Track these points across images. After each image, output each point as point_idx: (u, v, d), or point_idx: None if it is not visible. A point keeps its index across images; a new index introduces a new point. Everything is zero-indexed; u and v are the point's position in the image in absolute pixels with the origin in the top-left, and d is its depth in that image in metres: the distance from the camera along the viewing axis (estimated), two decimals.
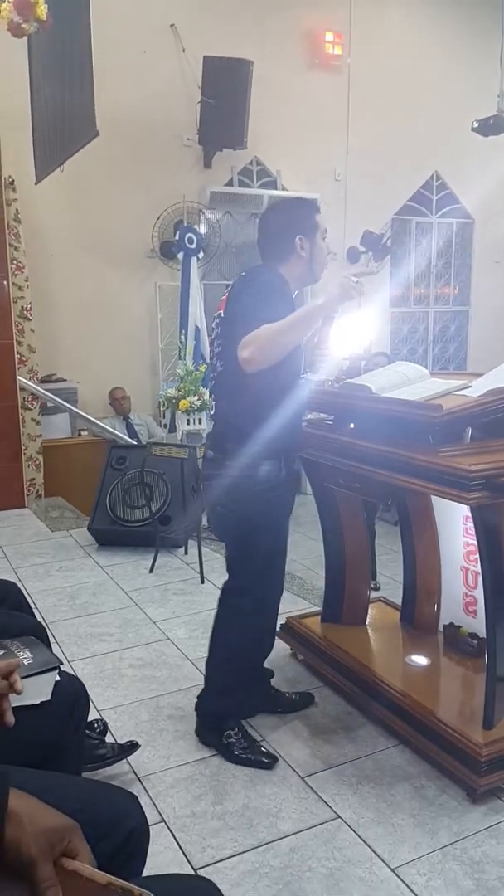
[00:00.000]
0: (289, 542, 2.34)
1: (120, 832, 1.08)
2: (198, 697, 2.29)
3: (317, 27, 6.72)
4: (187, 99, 6.11)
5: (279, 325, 1.90)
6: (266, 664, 2.43)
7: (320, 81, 6.77)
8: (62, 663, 1.58)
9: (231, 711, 2.21)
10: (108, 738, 2.17)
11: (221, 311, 2.10)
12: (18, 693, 1.33)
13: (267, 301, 1.96)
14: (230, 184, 6.60)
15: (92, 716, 2.08)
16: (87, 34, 3.75)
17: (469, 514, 2.08)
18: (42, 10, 3.20)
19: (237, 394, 2.05)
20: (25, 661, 1.49)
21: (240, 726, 2.19)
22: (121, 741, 2.16)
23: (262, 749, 2.16)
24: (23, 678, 1.42)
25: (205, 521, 4.47)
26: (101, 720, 2.15)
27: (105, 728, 2.12)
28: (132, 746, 2.06)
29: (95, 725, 2.09)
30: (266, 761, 2.12)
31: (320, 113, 6.76)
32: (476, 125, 5.68)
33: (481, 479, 1.75)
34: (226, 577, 2.25)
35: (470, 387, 2.04)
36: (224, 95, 5.88)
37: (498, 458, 1.83)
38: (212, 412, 2.19)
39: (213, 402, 2.17)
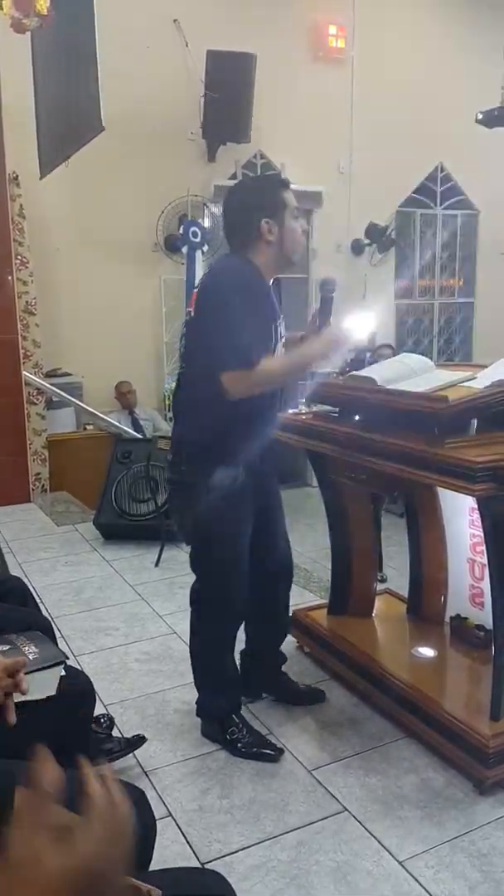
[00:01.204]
0: (291, 536, 2.33)
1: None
2: (196, 703, 2.28)
3: (320, 20, 6.68)
4: (191, 93, 6.08)
5: (278, 373, 1.92)
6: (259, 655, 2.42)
7: (324, 74, 6.73)
8: (68, 658, 1.58)
9: (228, 709, 2.20)
10: (115, 733, 2.18)
11: (192, 311, 1.99)
12: (24, 693, 1.33)
13: (238, 312, 1.86)
14: (234, 177, 6.57)
15: (98, 710, 2.09)
16: (92, 29, 3.74)
17: (475, 506, 2.07)
18: (42, 5, 3.18)
19: (199, 401, 1.98)
20: (31, 657, 1.49)
21: (242, 721, 2.19)
22: (127, 735, 2.16)
23: (268, 741, 2.16)
24: (28, 673, 1.42)
25: None
26: (108, 715, 2.15)
27: (111, 723, 2.12)
28: (139, 740, 2.06)
29: (102, 720, 2.09)
30: (272, 753, 2.12)
31: (324, 106, 6.73)
32: (480, 117, 5.61)
33: (487, 471, 1.74)
34: None
35: (475, 378, 2.03)
36: (228, 89, 5.86)
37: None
38: (174, 413, 2.14)
39: (174, 410, 2.12)
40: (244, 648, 2.40)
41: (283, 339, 2.07)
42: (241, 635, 2.31)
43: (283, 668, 2.45)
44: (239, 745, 2.14)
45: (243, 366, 1.84)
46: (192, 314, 2.00)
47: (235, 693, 2.24)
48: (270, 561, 2.26)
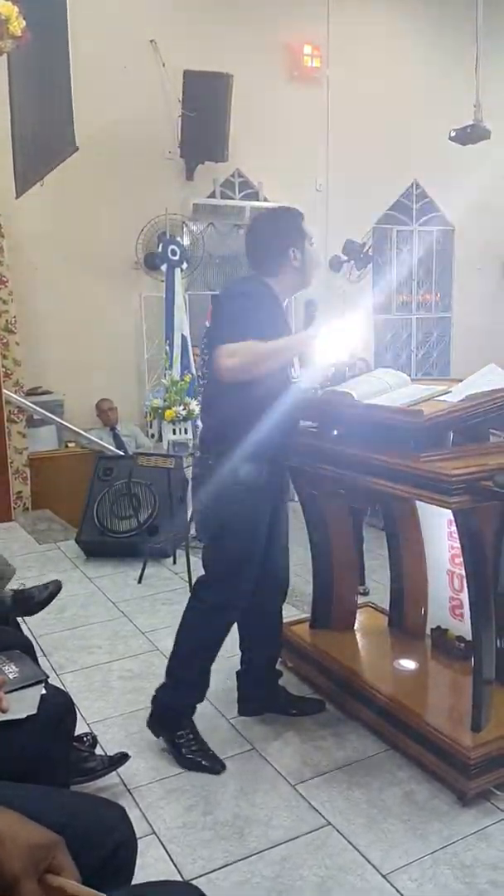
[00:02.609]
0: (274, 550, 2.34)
1: (107, 845, 1.08)
2: (156, 690, 2.26)
3: (295, 40, 6.79)
4: (168, 113, 6.15)
5: (266, 348, 1.98)
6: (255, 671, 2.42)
7: (300, 94, 6.83)
8: (48, 676, 1.57)
9: (186, 707, 2.21)
10: (99, 751, 2.16)
11: (208, 322, 2.21)
12: (4, 711, 1.33)
13: (252, 315, 2.03)
14: (212, 196, 6.64)
15: (81, 729, 2.08)
16: (66, 50, 3.78)
17: (452, 518, 2.09)
18: (16, 27, 3.21)
19: (221, 401, 2.12)
20: (11, 675, 1.49)
21: (192, 728, 2.19)
22: (110, 753, 2.15)
23: (212, 753, 2.16)
24: (9, 692, 1.42)
25: (193, 531, 4.48)
26: (91, 733, 2.14)
27: (94, 741, 2.11)
28: (122, 758, 2.05)
29: (84, 739, 2.08)
30: (216, 767, 2.12)
31: (300, 125, 6.82)
32: (454, 134, 5.73)
33: (462, 483, 1.77)
34: None
35: (450, 392, 2.06)
36: (204, 109, 5.93)
37: (479, 462, 1.85)
38: (201, 416, 2.27)
39: (202, 407, 2.23)
40: (242, 669, 2.41)
41: None
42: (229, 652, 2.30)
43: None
44: (184, 750, 2.15)
45: (229, 341, 1.97)
46: (209, 325, 2.19)
47: (200, 696, 2.24)
48: (266, 574, 2.27)
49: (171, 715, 2.21)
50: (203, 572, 2.23)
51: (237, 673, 2.42)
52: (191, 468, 2.34)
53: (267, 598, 2.32)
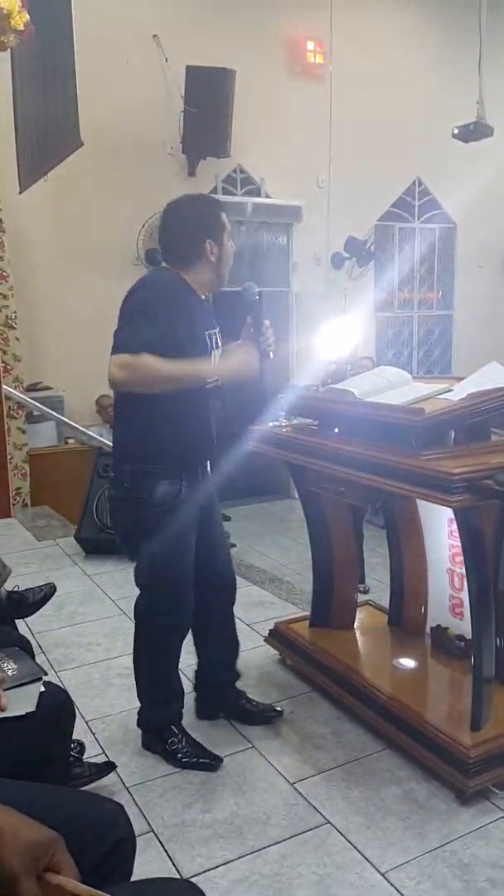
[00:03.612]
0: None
1: (106, 843, 1.08)
2: (137, 713, 2.26)
3: (298, 36, 6.77)
4: (171, 108, 6.14)
5: (167, 371, 1.84)
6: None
7: (302, 90, 6.82)
8: (46, 674, 1.57)
9: (170, 720, 2.19)
10: (96, 749, 2.16)
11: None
12: (2, 709, 1.33)
13: (152, 314, 1.88)
14: (214, 192, 6.62)
15: (79, 726, 2.07)
16: (70, 46, 3.77)
17: (453, 517, 2.09)
18: (18, 21, 3.20)
19: (130, 413, 2.00)
20: (9, 673, 1.49)
21: (182, 732, 2.18)
22: (108, 751, 2.15)
23: (206, 751, 2.16)
24: (7, 690, 1.42)
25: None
26: (78, 740, 2.11)
27: (82, 748, 2.09)
28: (108, 766, 2.03)
29: (73, 745, 2.06)
30: (212, 763, 2.12)
31: (303, 121, 6.81)
32: (456, 131, 5.73)
33: (463, 482, 1.76)
34: None
35: (451, 390, 2.06)
36: (207, 104, 5.92)
37: (480, 461, 1.84)
38: (113, 430, 2.13)
39: (114, 419, 2.10)
40: (197, 671, 2.39)
41: (220, 349, 2.11)
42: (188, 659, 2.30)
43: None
44: (178, 755, 2.14)
45: (125, 350, 1.84)
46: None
47: (178, 705, 2.23)
48: (211, 574, 2.23)
49: (157, 731, 2.20)
50: (140, 591, 2.18)
51: (195, 673, 2.39)
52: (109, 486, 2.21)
53: (213, 599, 2.27)
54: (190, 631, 2.26)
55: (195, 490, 2.05)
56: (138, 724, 2.25)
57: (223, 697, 2.37)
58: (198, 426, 2.05)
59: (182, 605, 2.13)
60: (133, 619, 2.25)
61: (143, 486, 1.99)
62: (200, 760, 2.13)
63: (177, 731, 2.17)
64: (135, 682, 2.27)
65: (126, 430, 2.04)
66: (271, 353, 2.06)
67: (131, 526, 2.07)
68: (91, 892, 0.80)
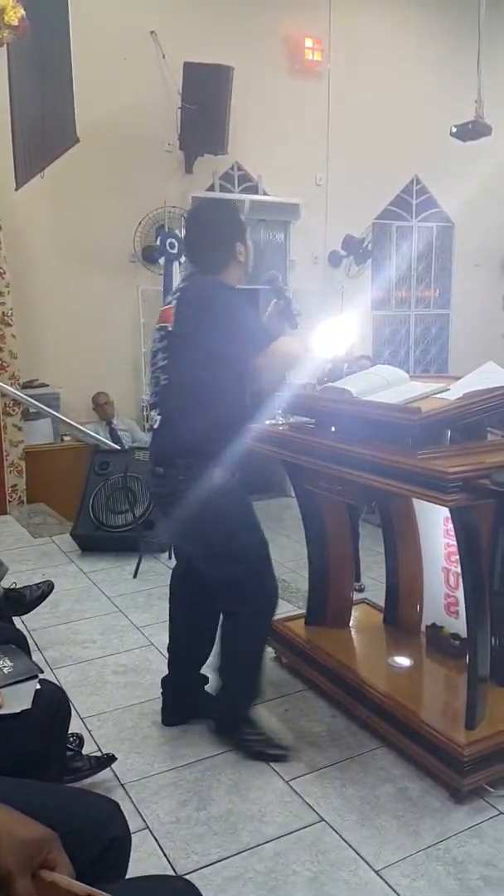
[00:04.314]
0: (271, 547, 2.33)
1: (101, 840, 1.08)
2: (215, 704, 2.26)
3: (296, 33, 6.75)
4: (168, 105, 6.11)
5: (286, 347, 2.05)
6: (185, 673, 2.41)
7: (300, 87, 6.81)
8: (42, 671, 1.57)
9: (249, 711, 2.24)
10: (92, 747, 2.16)
11: (168, 325, 2.08)
12: None
13: (247, 312, 2.04)
14: (212, 189, 6.61)
15: (74, 723, 2.07)
16: (67, 42, 3.76)
17: (449, 516, 2.09)
18: (12, 16, 3.19)
19: (192, 409, 2.06)
20: (5, 670, 1.49)
21: (253, 722, 2.22)
22: (104, 748, 2.15)
23: (275, 742, 2.20)
24: (2, 687, 1.42)
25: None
26: (77, 734, 2.11)
27: (81, 741, 2.10)
28: (108, 759, 2.04)
29: (71, 739, 2.06)
30: (284, 755, 2.16)
31: (300, 118, 6.80)
32: (455, 130, 5.71)
33: (459, 481, 1.76)
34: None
35: (448, 390, 2.06)
36: (204, 101, 5.90)
37: (476, 460, 1.85)
38: (155, 426, 2.14)
39: (158, 417, 2.13)
40: (167, 677, 2.38)
41: None
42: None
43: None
44: (250, 744, 2.17)
45: (273, 336, 2.02)
46: (172, 328, 2.06)
47: (258, 692, 2.29)
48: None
49: (235, 722, 2.22)
50: (222, 596, 2.19)
51: (163, 680, 2.38)
52: (152, 485, 2.22)
53: (204, 597, 2.29)
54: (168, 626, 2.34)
55: (239, 478, 2.15)
56: (215, 714, 2.26)
57: (202, 701, 2.37)
58: (241, 422, 2.16)
59: (272, 577, 2.20)
60: (222, 612, 2.25)
61: (200, 476, 2.05)
62: (270, 752, 2.16)
63: (250, 723, 2.22)
64: (219, 672, 2.25)
65: (187, 429, 2.08)
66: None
67: (196, 516, 2.08)
68: (86, 890, 0.80)
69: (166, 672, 2.35)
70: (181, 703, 2.35)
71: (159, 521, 2.45)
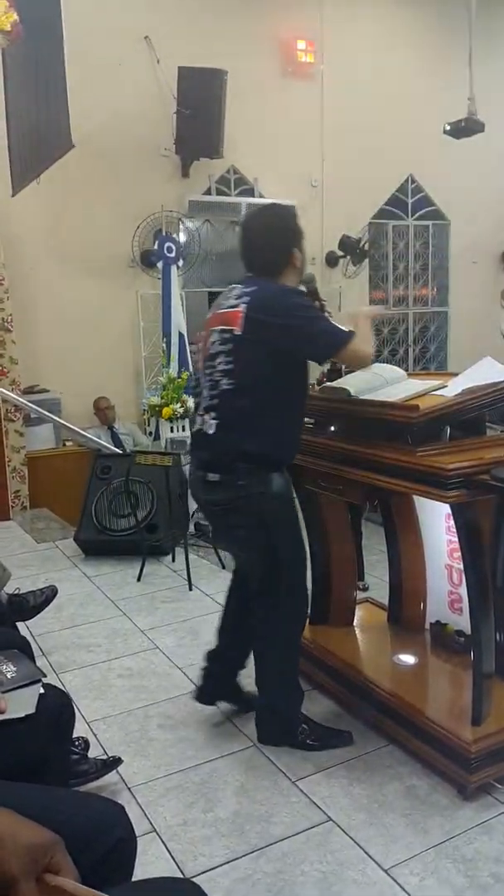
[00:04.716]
0: None
1: (105, 843, 1.08)
2: (259, 710, 2.26)
3: (289, 36, 6.77)
4: (163, 109, 6.13)
5: (367, 330, 2.09)
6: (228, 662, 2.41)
7: (294, 89, 6.82)
8: (46, 676, 1.57)
9: (299, 709, 2.24)
10: (98, 750, 2.16)
11: (235, 329, 2.02)
12: (2, 711, 1.33)
13: (313, 310, 2.07)
14: (208, 192, 6.63)
15: (80, 727, 2.07)
16: (61, 47, 3.77)
17: (450, 513, 2.09)
18: (5, 21, 3.19)
19: (255, 415, 2.03)
20: (9, 675, 1.49)
21: (304, 719, 2.22)
22: (110, 752, 2.15)
23: (333, 731, 2.23)
24: (6, 692, 1.42)
25: (192, 528, 4.46)
26: (83, 737, 2.11)
27: (87, 744, 2.09)
28: (115, 762, 2.04)
29: (77, 742, 2.05)
30: (346, 742, 2.20)
31: (295, 120, 6.81)
32: (448, 128, 5.73)
33: (459, 477, 1.76)
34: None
35: (446, 387, 2.06)
36: (199, 105, 5.91)
37: (475, 456, 1.85)
38: (210, 431, 2.08)
39: (214, 422, 2.07)
40: (212, 651, 2.39)
41: None
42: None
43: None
44: (309, 741, 2.18)
45: (350, 336, 2.01)
46: (239, 332, 2.01)
47: (302, 691, 2.30)
48: None
49: (290, 721, 2.22)
50: (262, 598, 2.19)
51: (208, 655, 2.39)
52: (202, 492, 2.18)
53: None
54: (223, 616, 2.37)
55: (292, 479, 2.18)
56: (262, 721, 2.25)
57: (234, 686, 2.40)
58: (301, 426, 2.18)
59: (305, 589, 2.23)
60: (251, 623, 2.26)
61: (259, 482, 2.05)
62: (332, 742, 2.19)
63: (303, 718, 2.22)
64: (260, 681, 2.26)
65: (252, 435, 2.04)
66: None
67: (254, 521, 2.08)
68: (91, 893, 0.80)
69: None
70: (221, 686, 2.38)
71: (212, 529, 2.44)
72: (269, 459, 2.06)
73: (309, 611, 2.33)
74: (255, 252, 2.14)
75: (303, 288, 2.21)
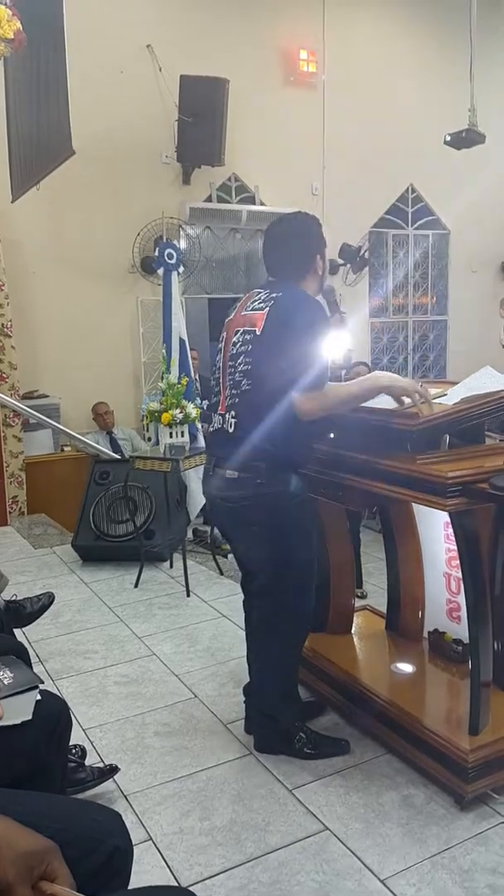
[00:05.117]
0: None
1: (102, 851, 1.07)
2: (259, 716, 2.26)
3: (291, 45, 6.81)
4: (165, 117, 6.16)
5: (345, 396, 2.01)
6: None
7: (295, 98, 6.85)
8: (43, 682, 1.57)
9: (297, 716, 2.24)
10: (94, 758, 2.15)
11: (257, 330, 2.04)
12: None
13: (321, 337, 2.00)
14: (209, 199, 6.65)
15: (76, 734, 2.06)
16: (62, 55, 3.78)
17: (449, 521, 2.09)
18: (8, 30, 3.21)
19: (274, 415, 2.03)
20: (5, 681, 1.48)
21: (302, 728, 2.21)
22: (106, 760, 2.14)
23: (330, 739, 2.22)
24: (3, 698, 1.41)
25: (190, 534, 4.46)
26: (79, 745, 2.10)
27: (83, 752, 2.09)
28: (112, 770, 2.03)
29: (74, 750, 2.04)
30: (343, 750, 2.19)
31: (296, 129, 6.84)
32: (449, 139, 5.75)
33: (459, 486, 1.76)
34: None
35: (446, 395, 2.06)
36: (201, 113, 5.94)
37: (475, 465, 1.85)
38: (230, 429, 2.11)
39: (234, 421, 2.10)
40: (248, 686, 2.37)
41: None
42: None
43: None
44: (306, 749, 2.18)
45: (317, 388, 1.96)
46: (260, 333, 2.04)
47: (300, 701, 2.30)
48: None
49: (285, 731, 2.21)
50: (264, 598, 2.20)
51: (245, 690, 2.38)
52: (218, 489, 2.17)
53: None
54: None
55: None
56: (259, 728, 2.25)
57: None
58: (317, 430, 2.15)
59: (311, 596, 2.23)
60: (252, 626, 2.29)
61: (279, 481, 2.06)
62: (329, 751, 2.18)
63: (299, 729, 2.21)
64: (257, 687, 2.27)
65: (268, 433, 2.04)
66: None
67: (271, 521, 2.08)
68: None
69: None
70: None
71: (222, 526, 2.44)
72: (287, 460, 2.07)
73: (311, 620, 2.30)
74: (279, 257, 2.18)
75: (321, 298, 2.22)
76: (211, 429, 2.23)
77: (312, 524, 2.22)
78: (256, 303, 2.10)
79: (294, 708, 2.24)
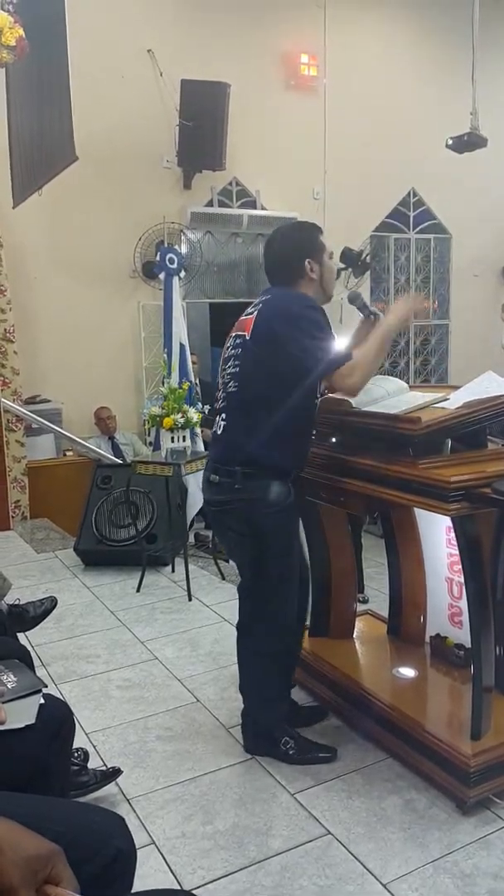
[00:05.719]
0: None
1: (105, 854, 1.07)
2: (243, 717, 2.28)
3: (292, 49, 6.83)
4: (166, 122, 6.18)
5: (373, 352, 2.04)
6: None
7: (297, 102, 6.88)
8: (46, 686, 1.57)
9: (280, 718, 2.24)
10: (97, 762, 2.15)
11: (246, 334, 2.08)
12: (2, 722, 1.33)
13: (318, 319, 2.04)
14: (210, 204, 6.67)
15: (79, 738, 2.07)
16: (65, 61, 3.81)
17: (451, 525, 2.09)
18: (10, 37, 3.23)
19: (257, 419, 2.06)
20: (9, 685, 1.49)
21: (289, 732, 2.21)
22: (109, 763, 2.14)
23: (317, 745, 2.21)
24: (6, 702, 1.42)
25: (191, 539, 4.46)
26: (82, 749, 2.11)
27: (86, 756, 2.09)
28: (115, 773, 2.04)
29: (76, 753, 2.05)
30: (329, 757, 2.18)
31: (297, 133, 6.86)
32: (450, 142, 5.77)
33: (461, 490, 1.77)
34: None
35: (448, 399, 2.07)
36: (202, 118, 5.96)
37: (477, 469, 1.85)
38: (219, 432, 2.15)
39: (223, 423, 2.14)
40: None
41: None
42: None
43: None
44: (291, 753, 2.17)
45: (347, 359, 2.00)
46: (248, 337, 2.08)
47: (286, 704, 2.30)
48: (303, 568, 2.34)
49: (269, 733, 2.21)
50: (246, 601, 2.23)
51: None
52: (204, 491, 2.22)
53: (301, 592, 2.34)
54: None
55: (297, 495, 2.15)
56: (246, 728, 2.26)
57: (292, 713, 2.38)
58: (308, 437, 2.19)
59: (293, 604, 2.22)
60: (236, 625, 2.30)
61: (256, 487, 2.05)
62: (317, 755, 2.18)
63: (285, 733, 2.21)
64: (242, 687, 2.28)
65: (243, 437, 2.07)
66: None
67: (244, 528, 2.10)
68: None
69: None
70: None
71: (213, 530, 2.48)
72: (271, 466, 2.06)
73: (308, 623, 2.32)
74: (270, 263, 2.22)
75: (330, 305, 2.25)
76: (212, 432, 2.28)
77: (292, 534, 2.18)
78: (250, 308, 2.17)
79: (273, 712, 2.24)
